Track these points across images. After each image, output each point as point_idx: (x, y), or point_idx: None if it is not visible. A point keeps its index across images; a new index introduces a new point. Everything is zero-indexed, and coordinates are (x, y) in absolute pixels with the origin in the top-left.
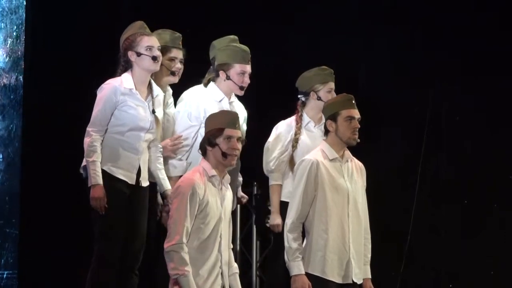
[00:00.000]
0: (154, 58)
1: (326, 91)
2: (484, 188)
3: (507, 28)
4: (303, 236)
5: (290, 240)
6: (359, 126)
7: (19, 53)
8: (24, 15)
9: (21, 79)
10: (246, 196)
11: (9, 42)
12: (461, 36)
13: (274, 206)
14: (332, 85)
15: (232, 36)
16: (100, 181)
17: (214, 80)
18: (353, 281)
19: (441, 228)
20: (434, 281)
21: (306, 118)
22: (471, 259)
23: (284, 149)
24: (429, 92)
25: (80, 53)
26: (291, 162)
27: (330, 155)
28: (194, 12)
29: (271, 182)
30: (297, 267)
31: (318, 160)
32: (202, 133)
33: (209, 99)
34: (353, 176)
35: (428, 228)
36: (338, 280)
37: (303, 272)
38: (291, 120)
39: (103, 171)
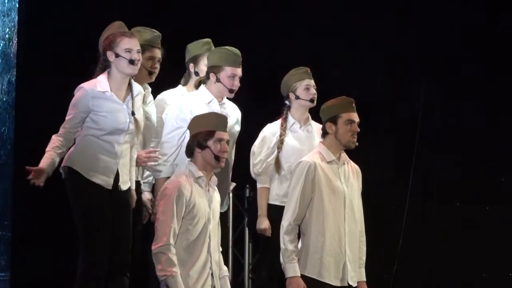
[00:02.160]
0: (132, 62)
1: (303, 88)
2: (476, 190)
3: (502, 29)
4: (299, 238)
5: (286, 242)
6: (359, 130)
7: (12, 55)
8: (17, 18)
9: (14, 81)
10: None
11: (1, 44)
12: (457, 36)
13: (262, 210)
14: (308, 82)
15: (206, 39)
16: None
17: (205, 83)
18: (348, 283)
19: (434, 230)
20: (426, 283)
21: (291, 119)
22: (463, 261)
23: (270, 152)
24: (421, 93)
25: (73, 56)
26: (277, 164)
27: (328, 157)
28: (191, 13)
29: (258, 185)
30: (292, 269)
31: (315, 162)
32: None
33: (197, 101)
34: (349, 179)
35: (421, 230)
36: (334, 282)
37: (299, 274)
38: (277, 122)
39: (80, 175)
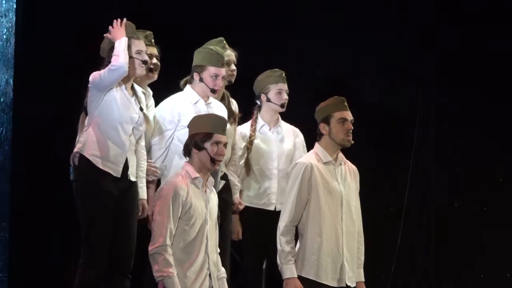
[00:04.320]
0: (145, 62)
1: (276, 92)
2: (475, 190)
3: (497, 30)
4: (296, 239)
5: (283, 243)
6: (352, 128)
7: (9, 56)
8: (15, 18)
9: (11, 82)
10: (243, 203)
11: None
12: (452, 36)
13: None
14: (282, 86)
15: (219, 38)
16: None
17: (190, 82)
18: (346, 284)
19: (432, 230)
20: (424, 283)
21: (260, 121)
22: (462, 261)
23: (241, 154)
24: (419, 93)
25: (71, 56)
26: (247, 166)
27: (324, 158)
28: (185, 13)
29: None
30: (289, 270)
31: (311, 163)
32: (178, 136)
33: (184, 101)
34: (346, 179)
35: (419, 230)
36: (332, 283)
37: (296, 275)
38: (246, 125)
39: (89, 162)
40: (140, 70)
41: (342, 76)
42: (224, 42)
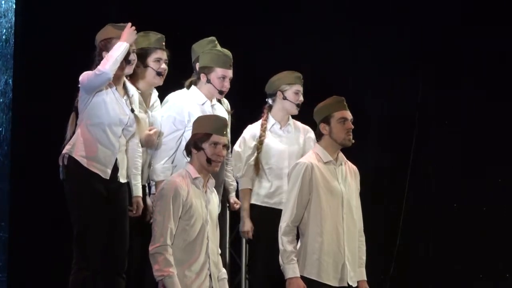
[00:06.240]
0: (128, 62)
1: (293, 92)
2: (474, 191)
3: (497, 29)
4: (297, 238)
5: (285, 243)
6: (353, 127)
7: (9, 56)
8: (14, 19)
9: (11, 82)
10: (239, 202)
11: None
12: (452, 36)
13: (244, 211)
14: (299, 87)
15: (210, 38)
16: None
17: (196, 83)
18: (348, 284)
19: (431, 231)
20: (423, 283)
21: (271, 120)
22: (461, 261)
23: (251, 153)
24: (419, 93)
25: (70, 56)
26: (257, 165)
27: (324, 158)
28: (179, 14)
29: (241, 186)
30: (292, 270)
31: (312, 163)
32: (186, 136)
33: (192, 102)
34: (347, 179)
35: (418, 231)
36: (333, 283)
37: (298, 275)
38: (257, 124)
39: (77, 163)
40: (127, 69)
41: (342, 76)
42: (216, 42)
